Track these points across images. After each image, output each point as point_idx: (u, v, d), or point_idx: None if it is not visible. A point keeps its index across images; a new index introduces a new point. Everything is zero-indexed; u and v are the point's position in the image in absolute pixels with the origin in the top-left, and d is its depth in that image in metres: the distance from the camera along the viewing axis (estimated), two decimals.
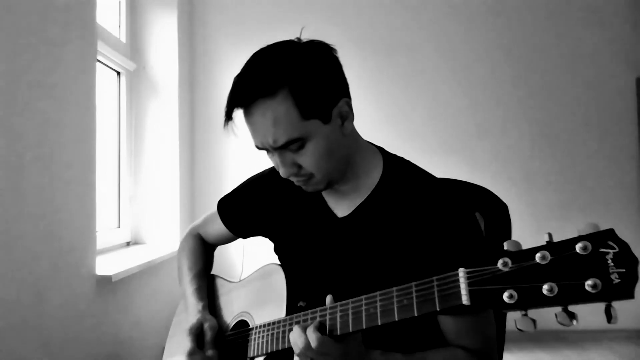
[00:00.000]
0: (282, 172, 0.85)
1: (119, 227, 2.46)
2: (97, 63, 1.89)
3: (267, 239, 1.10)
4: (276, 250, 1.07)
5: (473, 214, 0.88)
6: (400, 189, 0.89)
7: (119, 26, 2.53)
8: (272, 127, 0.79)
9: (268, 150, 0.85)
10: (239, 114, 0.84)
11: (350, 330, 0.72)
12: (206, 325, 0.98)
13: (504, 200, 1.10)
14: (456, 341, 0.84)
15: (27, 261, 1.35)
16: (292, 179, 0.87)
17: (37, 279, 1.39)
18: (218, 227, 1.16)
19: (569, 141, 2.99)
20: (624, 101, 2.99)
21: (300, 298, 0.86)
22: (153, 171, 2.58)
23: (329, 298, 0.78)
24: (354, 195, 0.91)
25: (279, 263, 1.00)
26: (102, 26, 2.15)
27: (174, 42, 2.64)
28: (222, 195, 1.16)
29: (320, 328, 0.74)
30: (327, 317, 0.76)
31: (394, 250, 0.86)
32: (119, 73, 2.48)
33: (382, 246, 0.87)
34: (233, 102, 0.82)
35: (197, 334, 0.97)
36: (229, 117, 0.83)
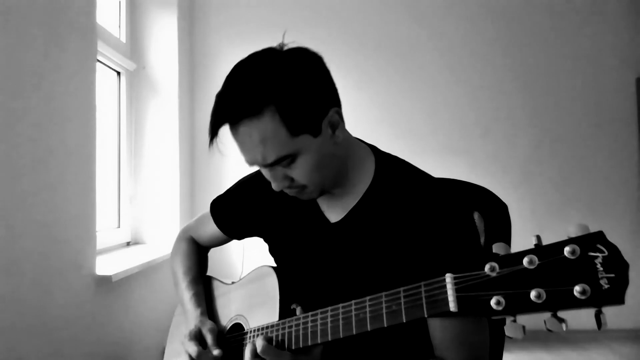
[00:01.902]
0: (275, 187, 0.84)
1: (119, 227, 2.46)
2: (97, 63, 1.89)
3: (262, 240, 1.09)
4: (271, 251, 1.06)
5: (468, 214, 0.85)
6: (393, 190, 0.87)
7: (119, 26, 2.52)
8: (260, 146, 0.77)
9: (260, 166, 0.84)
10: (225, 129, 0.82)
11: (341, 336, 0.71)
12: (205, 329, 0.97)
13: (504, 200, 1.10)
14: (442, 351, 0.81)
15: (27, 261, 1.35)
16: (286, 190, 0.86)
17: (37, 278, 1.39)
18: (211, 229, 1.14)
19: (568, 141, 2.99)
20: (624, 101, 2.99)
21: (294, 301, 0.86)
22: (153, 171, 2.58)
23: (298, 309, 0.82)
24: (347, 199, 0.90)
25: (273, 265, 1.00)
26: (102, 26, 2.15)
27: (174, 42, 2.64)
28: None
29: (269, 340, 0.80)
30: (319, 321, 0.75)
31: (387, 254, 0.85)
32: (119, 73, 2.48)
33: (375, 250, 0.86)
34: (218, 121, 0.80)
35: (199, 338, 0.97)
36: (214, 135, 0.81)
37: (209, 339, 0.95)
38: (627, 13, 3.00)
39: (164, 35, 2.63)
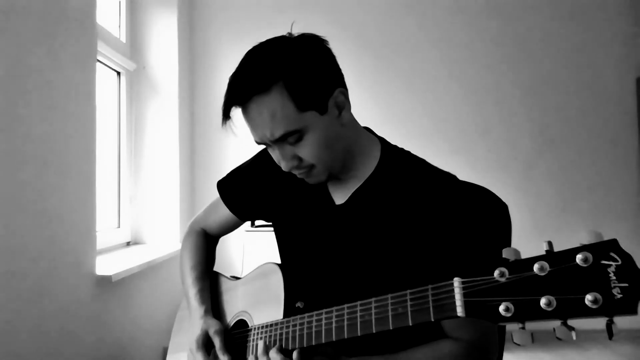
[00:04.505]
0: (284, 166, 0.86)
1: (119, 227, 2.46)
2: (97, 63, 1.89)
3: (269, 224, 1.09)
4: (276, 233, 1.07)
5: (480, 211, 0.86)
6: (398, 176, 0.89)
7: (119, 26, 2.53)
8: (269, 121, 0.80)
9: (269, 145, 0.86)
10: (236, 112, 0.85)
11: (346, 337, 0.71)
12: (211, 332, 0.96)
13: (504, 200, 1.09)
14: (452, 332, 0.84)
15: (27, 261, 1.35)
16: (294, 171, 0.88)
17: (37, 279, 1.39)
18: (221, 214, 1.15)
19: (568, 141, 2.99)
20: (624, 101, 2.99)
21: (299, 297, 0.86)
22: (153, 171, 2.58)
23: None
24: (352, 183, 0.92)
25: (277, 262, 1.00)
26: (102, 26, 2.15)
27: (174, 42, 2.64)
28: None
29: (284, 350, 0.80)
30: (323, 322, 0.75)
31: (389, 238, 0.86)
32: (119, 73, 2.48)
33: (378, 234, 0.87)
34: (230, 102, 0.83)
35: (205, 343, 0.96)
36: (226, 116, 0.84)
37: (217, 342, 0.95)
38: (627, 13, 3.00)
39: (164, 35, 2.63)
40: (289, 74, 0.80)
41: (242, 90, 0.81)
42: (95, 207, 1.75)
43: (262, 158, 1.06)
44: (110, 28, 2.35)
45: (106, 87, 2.38)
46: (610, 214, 2.95)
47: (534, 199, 2.96)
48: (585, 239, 0.51)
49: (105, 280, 1.73)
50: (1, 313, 1.24)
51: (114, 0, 2.50)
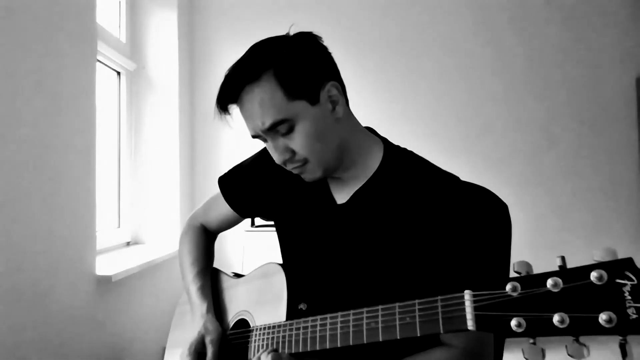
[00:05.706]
0: (277, 159, 0.86)
1: (119, 227, 2.46)
2: (97, 63, 1.89)
3: (269, 225, 1.10)
4: (278, 233, 1.06)
5: (481, 208, 0.85)
6: (400, 176, 0.88)
7: (119, 26, 2.52)
8: (259, 110, 0.81)
9: (263, 139, 0.86)
10: (235, 111, 0.86)
11: (351, 344, 0.70)
12: (207, 340, 0.97)
13: (504, 201, 1.09)
14: (445, 338, 0.82)
15: (27, 261, 1.35)
16: (289, 166, 0.87)
17: (37, 279, 1.39)
18: (221, 210, 1.14)
19: (568, 141, 2.99)
20: (624, 101, 2.98)
21: (301, 299, 0.86)
22: (153, 171, 2.58)
23: None
24: (353, 182, 0.91)
25: (280, 262, 1.00)
26: (102, 26, 2.15)
27: (174, 42, 2.64)
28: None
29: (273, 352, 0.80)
30: (328, 327, 0.75)
31: (392, 239, 0.85)
32: (119, 73, 2.48)
33: (380, 234, 0.86)
34: (223, 92, 0.85)
35: (199, 350, 0.96)
36: (221, 108, 0.86)
37: (210, 351, 0.95)
38: (627, 13, 3.00)
39: (163, 35, 2.63)
40: (279, 63, 0.80)
41: (234, 82, 0.83)
42: (95, 207, 1.75)
43: (264, 156, 1.05)
44: (110, 28, 2.34)
45: (106, 87, 2.38)
46: (611, 214, 2.94)
47: (534, 199, 2.96)
48: (600, 256, 0.50)
49: (105, 280, 1.73)
50: (1, 313, 1.24)
51: (114, 0, 2.49)
